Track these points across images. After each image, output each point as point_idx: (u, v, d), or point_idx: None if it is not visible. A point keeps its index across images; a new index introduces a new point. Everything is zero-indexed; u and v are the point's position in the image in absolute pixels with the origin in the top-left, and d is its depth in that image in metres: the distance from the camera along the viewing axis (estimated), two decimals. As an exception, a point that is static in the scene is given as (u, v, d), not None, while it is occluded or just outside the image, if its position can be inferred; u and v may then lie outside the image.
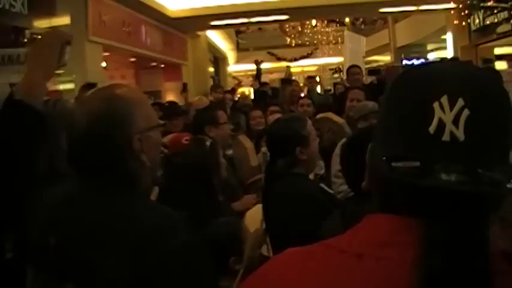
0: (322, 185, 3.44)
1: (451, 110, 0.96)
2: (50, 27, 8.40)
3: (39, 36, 2.94)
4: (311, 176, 3.95)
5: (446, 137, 0.95)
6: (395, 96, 1.06)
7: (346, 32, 15.68)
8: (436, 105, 0.97)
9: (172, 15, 14.68)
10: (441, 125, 0.96)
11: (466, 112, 0.95)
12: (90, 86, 6.83)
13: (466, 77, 1.02)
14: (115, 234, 1.65)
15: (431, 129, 0.96)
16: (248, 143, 6.07)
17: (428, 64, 1.14)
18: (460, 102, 0.96)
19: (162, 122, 2.02)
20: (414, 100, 1.01)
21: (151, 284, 1.57)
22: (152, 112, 1.93)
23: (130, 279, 1.57)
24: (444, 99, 0.97)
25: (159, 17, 14.34)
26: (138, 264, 1.57)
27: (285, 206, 3.18)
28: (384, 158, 1.00)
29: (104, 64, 12.24)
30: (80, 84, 7.75)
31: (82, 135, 1.76)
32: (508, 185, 0.95)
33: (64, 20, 9.88)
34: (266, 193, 3.44)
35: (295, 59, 29.45)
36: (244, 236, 2.99)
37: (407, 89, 1.04)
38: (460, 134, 0.95)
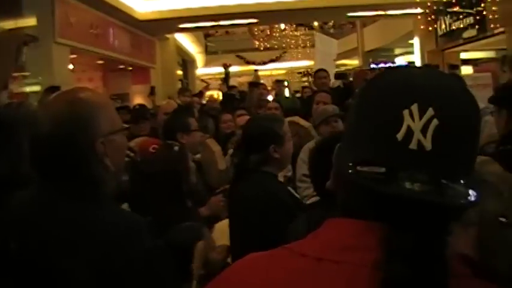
0: (289, 188, 3.44)
1: (421, 118, 0.96)
2: (12, 29, 8.30)
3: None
4: (280, 178, 3.97)
5: (413, 145, 0.95)
6: (365, 102, 1.06)
7: (317, 34, 15.76)
8: (405, 112, 0.97)
9: (141, 18, 14.63)
10: (409, 132, 0.96)
11: (435, 122, 0.95)
12: (53, 89, 6.78)
13: (437, 86, 1.02)
14: (77, 239, 1.64)
15: (399, 136, 0.96)
16: (216, 147, 6.06)
17: (399, 70, 1.13)
18: (430, 111, 0.96)
19: (126, 125, 2.01)
20: (384, 106, 1.00)
21: (118, 286, 1.56)
22: (116, 116, 1.92)
23: (93, 284, 1.56)
24: (414, 108, 0.96)
25: (128, 19, 14.28)
26: (100, 270, 1.56)
27: (251, 207, 3.20)
28: (350, 162, 1.00)
29: (71, 66, 12.14)
30: (47, 87, 7.67)
31: (45, 139, 1.74)
32: (469, 198, 0.96)
33: (30, 21, 9.78)
34: (233, 189, 3.46)
35: (264, 63, 29.48)
36: (207, 241, 2.98)
37: (378, 95, 1.03)
38: (428, 144, 0.95)
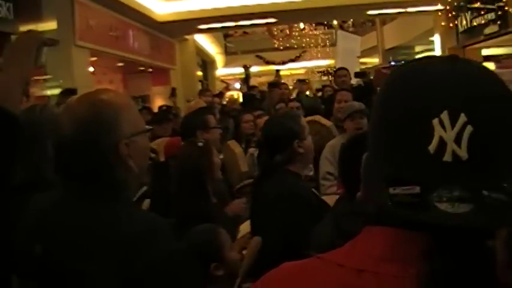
0: (313, 190, 3.43)
1: (453, 127, 0.88)
2: (32, 30, 8.36)
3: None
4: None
5: (448, 157, 0.88)
6: (388, 107, 0.98)
7: (339, 32, 15.67)
8: (435, 122, 0.89)
9: (160, 20, 14.66)
10: (442, 144, 0.88)
11: (469, 128, 0.88)
12: (70, 91, 6.82)
13: (467, 86, 0.92)
14: (102, 242, 1.64)
15: (431, 148, 0.88)
16: (237, 148, 6.07)
17: (423, 66, 1.00)
18: (463, 118, 0.88)
19: (149, 127, 2.00)
20: (410, 116, 0.92)
21: None
22: (139, 117, 1.91)
23: (117, 286, 1.55)
24: (444, 116, 0.88)
25: (147, 21, 14.32)
26: (124, 272, 1.56)
27: (275, 206, 3.20)
28: (382, 181, 0.93)
29: (91, 69, 12.19)
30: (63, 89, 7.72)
31: (68, 142, 1.74)
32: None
33: (50, 25, 9.84)
34: (257, 188, 3.45)
35: (284, 62, 29.44)
36: (224, 242, 2.99)
37: (402, 101, 0.95)
38: (463, 153, 0.87)
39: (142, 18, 13.95)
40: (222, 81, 28.65)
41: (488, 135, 0.89)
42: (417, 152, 0.90)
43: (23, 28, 8.36)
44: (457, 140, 0.88)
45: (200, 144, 3.91)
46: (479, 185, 0.88)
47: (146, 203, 3.94)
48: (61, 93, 7.32)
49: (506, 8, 13.93)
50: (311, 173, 4.84)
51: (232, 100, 14.54)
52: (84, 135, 1.72)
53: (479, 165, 0.88)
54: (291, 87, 13.89)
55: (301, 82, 12.86)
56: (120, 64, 15.86)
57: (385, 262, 0.93)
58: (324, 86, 12.97)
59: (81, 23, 10.69)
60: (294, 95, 11.83)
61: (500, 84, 0.96)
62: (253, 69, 24.41)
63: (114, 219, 1.69)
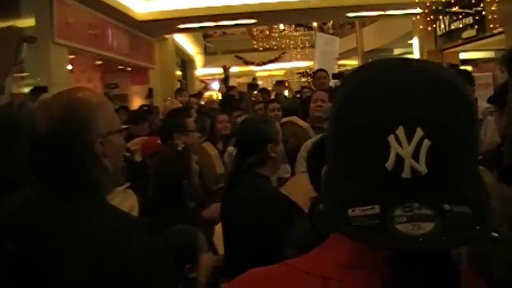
0: (282, 190, 3.43)
1: (409, 142, 0.85)
2: (11, 26, 8.29)
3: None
4: (274, 180, 3.98)
5: (406, 174, 0.85)
6: (342, 122, 0.94)
7: (318, 33, 15.69)
8: (391, 138, 0.86)
9: (139, 18, 14.63)
10: (399, 160, 0.85)
11: (426, 142, 0.85)
12: (39, 89, 6.77)
13: (421, 97, 0.89)
14: (75, 241, 1.63)
15: (389, 166, 0.86)
16: (213, 151, 6.05)
17: (375, 76, 0.95)
18: (419, 132, 0.85)
19: (124, 126, 1.99)
20: (365, 132, 0.89)
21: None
22: (114, 116, 1.90)
23: (91, 285, 1.55)
24: (400, 131, 0.85)
25: (126, 20, 14.27)
26: (98, 271, 1.55)
27: (247, 209, 3.20)
28: (340, 201, 0.91)
29: (69, 67, 12.12)
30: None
31: (43, 140, 1.73)
32: (475, 228, 0.86)
33: (28, 22, 9.79)
34: (228, 191, 3.46)
35: (263, 63, 29.49)
36: (201, 245, 2.98)
37: (355, 117, 0.91)
38: (422, 168, 0.85)
39: (122, 17, 13.91)
40: (201, 81, 28.62)
41: (446, 147, 0.87)
42: (374, 170, 0.88)
43: (1, 24, 8.30)
44: (415, 155, 0.85)
45: (180, 148, 3.90)
46: (441, 198, 0.86)
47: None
48: (31, 90, 7.26)
49: (483, 13, 14.06)
50: (288, 175, 4.85)
51: (211, 100, 14.52)
52: (59, 134, 1.71)
53: (439, 179, 0.87)
54: (269, 88, 13.92)
55: (280, 83, 12.88)
56: (99, 62, 15.80)
57: (350, 270, 0.92)
58: (302, 87, 13.00)
59: (60, 21, 10.64)
60: (272, 96, 11.84)
61: (455, 90, 0.93)
62: (233, 69, 24.39)
63: (88, 218, 1.68)
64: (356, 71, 1.01)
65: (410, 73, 0.93)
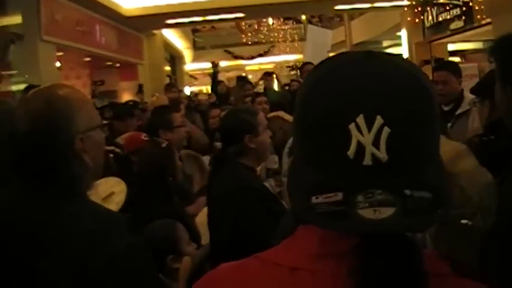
0: (266, 184, 3.43)
1: (370, 130, 0.88)
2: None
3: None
4: (263, 170, 3.99)
5: (367, 161, 0.88)
6: (305, 114, 0.98)
7: (309, 26, 15.66)
8: (352, 127, 0.88)
9: (127, 14, 14.57)
10: (360, 148, 0.88)
11: (386, 130, 0.88)
12: (31, 88, 6.75)
13: (381, 87, 0.91)
14: (57, 238, 1.63)
15: (350, 153, 0.88)
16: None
17: (336, 69, 0.98)
18: (379, 120, 0.88)
19: (105, 122, 2.00)
20: (327, 122, 0.92)
21: (99, 285, 1.56)
22: (94, 112, 1.91)
23: (73, 283, 1.55)
24: (360, 120, 0.88)
25: (114, 15, 14.23)
26: (80, 268, 1.56)
27: (227, 199, 3.22)
28: (304, 190, 0.93)
29: (58, 64, 12.08)
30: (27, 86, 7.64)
31: (22, 137, 1.73)
32: (437, 212, 0.90)
33: (15, 19, 9.75)
34: (211, 180, 3.49)
35: (252, 57, 29.46)
36: (181, 236, 3.03)
37: (318, 108, 0.94)
38: (383, 155, 0.88)
39: (110, 13, 13.86)
40: (191, 76, 28.57)
41: (406, 134, 0.90)
42: (337, 158, 0.90)
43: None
44: (375, 143, 0.88)
45: (164, 145, 3.92)
46: (402, 184, 0.89)
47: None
48: (25, 89, 7.24)
49: (471, 4, 14.08)
50: (275, 166, 4.87)
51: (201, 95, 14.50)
52: (39, 131, 1.71)
53: (399, 165, 0.90)
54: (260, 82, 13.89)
55: (268, 75, 12.83)
56: (87, 59, 15.77)
57: (319, 259, 0.94)
58: (291, 80, 12.98)
59: (47, 18, 10.59)
60: (261, 89, 11.81)
61: (414, 79, 0.96)
62: (222, 64, 24.39)
63: (69, 215, 1.69)
64: (318, 65, 1.03)
65: (370, 64, 0.96)
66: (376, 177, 0.89)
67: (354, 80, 0.93)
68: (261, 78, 12.55)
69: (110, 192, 3.56)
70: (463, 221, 1.80)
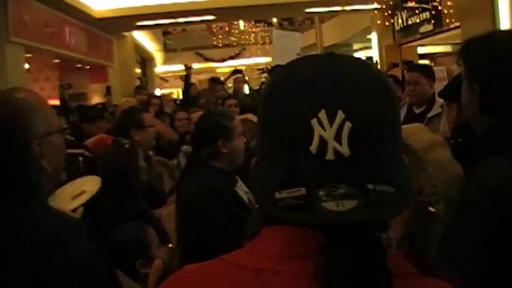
0: (237, 189, 3.40)
1: (331, 125, 0.89)
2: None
3: None
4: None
5: (330, 156, 0.89)
6: (268, 112, 0.99)
7: (274, 31, 15.70)
8: (314, 122, 0.89)
9: (97, 16, 14.51)
10: (323, 143, 0.89)
11: (348, 125, 0.89)
12: None
13: (341, 83, 0.93)
14: (14, 245, 1.60)
15: (313, 148, 0.89)
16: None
17: (298, 68, 1.01)
18: (340, 115, 0.89)
19: (64, 126, 1.97)
20: (289, 118, 0.93)
21: None
22: (53, 116, 1.88)
23: None
24: (322, 115, 0.89)
25: (84, 17, 14.15)
26: (38, 275, 1.53)
27: (189, 202, 3.25)
28: (267, 187, 0.94)
29: (26, 66, 11.96)
30: (1, 88, 7.54)
31: None
32: (398, 203, 0.92)
33: (-18, 21, 9.62)
34: (179, 183, 3.48)
35: (223, 60, 29.46)
36: (151, 240, 3.00)
37: (279, 105, 0.96)
38: (345, 150, 0.89)
39: (79, 14, 13.79)
40: (162, 78, 28.48)
41: (368, 129, 0.91)
42: (299, 154, 0.91)
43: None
44: (337, 138, 0.89)
45: (126, 146, 3.89)
46: (364, 179, 0.90)
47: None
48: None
49: (440, 8, 14.25)
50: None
51: (170, 98, 14.43)
52: None
53: (362, 160, 0.90)
54: (230, 85, 13.85)
55: (237, 72, 12.73)
56: (57, 61, 15.65)
57: (284, 260, 0.93)
58: (262, 84, 13.00)
59: (15, 19, 10.48)
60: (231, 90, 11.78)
61: (378, 78, 0.98)
62: (193, 66, 24.36)
63: (25, 221, 1.65)
64: (282, 67, 1.05)
65: (332, 64, 0.98)
66: (339, 172, 0.90)
67: (315, 77, 0.95)
68: (229, 76, 12.48)
69: (80, 191, 3.53)
70: (431, 209, 1.83)
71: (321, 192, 0.89)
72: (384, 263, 0.89)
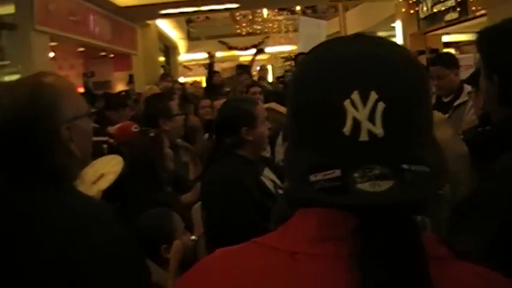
0: (263, 178, 3.36)
1: (365, 105, 0.88)
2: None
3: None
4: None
5: (364, 137, 0.88)
6: (299, 95, 0.98)
7: (301, 18, 15.63)
8: (347, 103, 0.89)
9: (121, 4, 14.54)
10: (356, 124, 0.88)
11: (381, 105, 0.88)
12: None
13: (374, 63, 0.92)
14: (43, 230, 1.61)
15: (346, 130, 0.89)
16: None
17: (329, 50, 1.01)
18: (373, 95, 0.88)
19: (92, 110, 1.98)
20: (321, 100, 0.92)
21: (82, 277, 1.54)
22: (81, 100, 1.87)
23: (60, 273, 1.53)
24: (355, 96, 0.89)
25: (108, 6, 14.19)
26: (66, 259, 1.54)
27: (214, 191, 3.24)
28: (302, 170, 0.93)
29: (51, 54, 12.03)
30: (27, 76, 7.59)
31: (5, 125, 1.70)
32: (433, 182, 0.90)
33: (8, 9, 9.69)
34: (204, 171, 3.45)
35: (247, 48, 29.38)
36: (176, 225, 3.01)
37: (311, 87, 0.95)
38: (379, 130, 0.88)
39: (103, 3, 13.84)
40: (185, 66, 28.51)
41: (401, 109, 0.90)
42: (333, 136, 0.90)
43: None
44: (371, 118, 0.88)
45: (152, 134, 3.90)
46: (398, 159, 0.89)
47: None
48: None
49: (465, -4, 14.09)
50: (268, 155, 4.83)
51: (196, 85, 14.44)
52: (22, 119, 1.68)
53: (396, 140, 0.90)
54: (254, 72, 13.85)
55: (261, 52, 12.58)
56: (81, 49, 15.72)
57: (318, 243, 0.92)
58: (286, 71, 12.97)
59: (40, 7, 10.53)
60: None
61: (407, 57, 0.98)
62: (217, 54, 24.37)
63: (53, 206, 1.66)
64: (311, 50, 1.04)
65: (362, 44, 0.97)
66: (373, 153, 0.89)
67: (346, 58, 0.95)
68: (254, 57, 12.45)
69: (99, 175, 3.54)
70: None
71: (356, 174, 0.88)
72: (421, 246, 0.89)
